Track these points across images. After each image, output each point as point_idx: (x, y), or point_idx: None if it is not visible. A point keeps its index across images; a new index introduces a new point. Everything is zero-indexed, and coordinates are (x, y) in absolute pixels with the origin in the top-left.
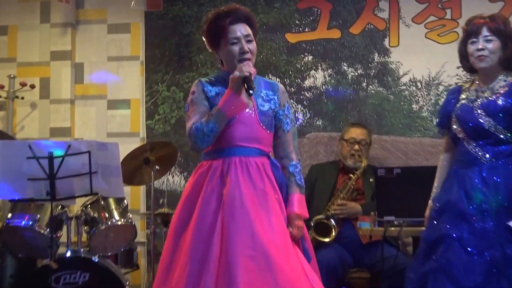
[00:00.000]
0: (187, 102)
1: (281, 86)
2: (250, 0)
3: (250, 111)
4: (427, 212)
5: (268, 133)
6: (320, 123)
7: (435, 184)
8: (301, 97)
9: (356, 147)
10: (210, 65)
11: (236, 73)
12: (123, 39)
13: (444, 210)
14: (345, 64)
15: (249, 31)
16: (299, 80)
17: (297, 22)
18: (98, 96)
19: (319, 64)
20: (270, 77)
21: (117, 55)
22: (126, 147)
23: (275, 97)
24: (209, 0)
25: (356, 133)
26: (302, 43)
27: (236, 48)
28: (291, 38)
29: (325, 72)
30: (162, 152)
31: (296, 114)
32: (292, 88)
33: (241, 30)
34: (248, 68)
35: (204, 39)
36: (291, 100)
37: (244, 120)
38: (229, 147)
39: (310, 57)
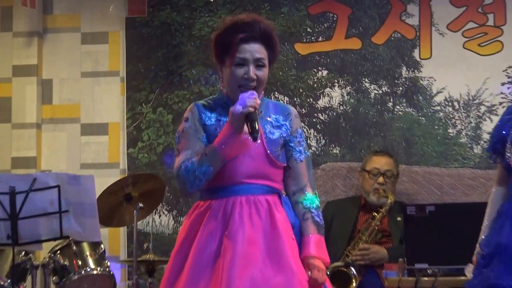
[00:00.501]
0: (178, 131)
1: (293, 109)
2: (252, 4)
3: (258, 141)
4: (474, 258)
5: (279, 166)
6: (337, 151)
7: (485, 223)
8: (314, 120)
9: (381, 179)
10: (204, 81)
11: (238, 107)
12: (100, 51)
13: (494, 255)
14: (366, 80)
15: (264, 54)
16: (311, 99)
17: (308, 30)
18: (69, 120)
19: (336, 80)
20: (276, 97)
21: (92, 70)
22: (103, 181)
23: (287, 123)
24: (203, 4)
25: (380, 162)
26: (315, 55)
27: (240, 72)
28: (302, 49)
29: (342, 90)
30: (146, 186)
31: (309, 141)
32: (303, 110)
33: (253, 51)
34: (253, 101)
35: (212, 47)
36: (302, 124)
37: (250, 152)
38: (233, 185)
39: (325, 72)
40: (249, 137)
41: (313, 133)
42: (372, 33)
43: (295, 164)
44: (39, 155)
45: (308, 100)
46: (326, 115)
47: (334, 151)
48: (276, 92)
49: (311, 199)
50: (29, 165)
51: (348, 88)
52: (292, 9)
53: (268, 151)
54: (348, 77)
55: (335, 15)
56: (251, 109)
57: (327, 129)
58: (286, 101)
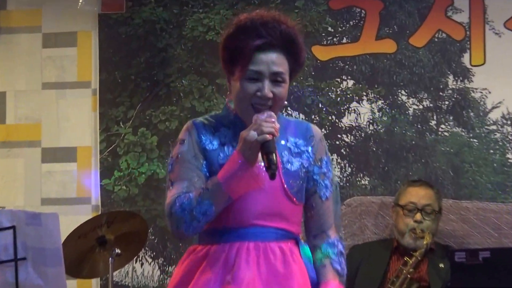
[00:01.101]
0: (171, 156)
1: (316, 130)
2: None
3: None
4: None
5: (298, 204)
6: (367, 182)
7: None
8: (338, 143)
9: (418, 216)
10: (198, 94)
11: (253, 133)
12: (66, 56)
13: None
14: (403, 92)
15: (284, 66)
16: (333, 117)
17: (329, 29)
18: (27, 143)
19: (364, 93)
20: (290, 113)
21: (57, 81)
22: (70, 220)
23: (308, 149)
24: None
25: (417, 195)
26: (338, 60)
27: (252, 88)
28: (321, 53)
29: (373, 105)
30: (125, 227)
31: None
32: (323, 130)
33: (270, 63)
34: (271, 127)
35: (219, 51)
36: None
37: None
38: (240, 227)
39: (351, 82)
40: (264, 171)
41: (336, 160)
42: (410, 33)
43: (319, 203)
44: None
45: (330, 118)
46: (352, 137)
47: (363, 182)
48: (288, 108)
49: (332, 243)
50: None
51: (380, 102)
52: (309, 3)
53: (286, 186)
54: (380, 88)
55: (363, 11)
56: (269, 137)
57: (353, 154)
58: (302, 118)
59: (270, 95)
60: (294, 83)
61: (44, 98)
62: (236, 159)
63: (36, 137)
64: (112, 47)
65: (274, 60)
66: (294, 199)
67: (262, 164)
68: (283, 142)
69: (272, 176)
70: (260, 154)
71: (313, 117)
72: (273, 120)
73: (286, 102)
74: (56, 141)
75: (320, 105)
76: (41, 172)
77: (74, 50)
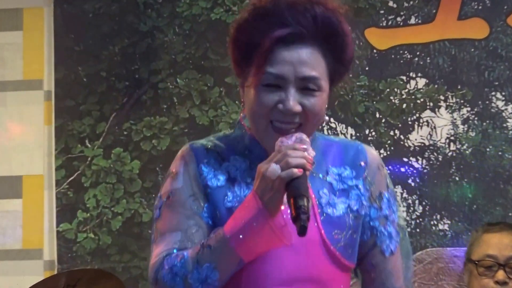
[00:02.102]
0: (159, 196)
1: (371, 153)
2: None
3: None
4: None
5: (345, 267)
6: (447, 227)
7: None
8: (403, 169)
9: (500, 275)
10: (200, 99)
11: (274, 167)
12: (8, 45)
13: None
14: (499, 95)
15: (319, 68)
16: (396, 132)
17: (391, 4)
18: None
19: (442, 97)
20: (333, 127)
21: None
22: (13, 282)
23: (359, 182)
24: None
25: (497, 245)
26: (404, 50)
27: (272, 99)
28: (379, 39)
29: (455, 114)
30: None
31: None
32: (383, 151)
33: (299, 64)
34: (300, 156)
35: (229, 45)
36: None
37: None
38: None
39: (422, 82)
40: (291, 224)
41: (401, 194)
42: (510, 10)
43: (382, 261)
44: None
45: (391, 133)
46: (424, 161)
47: (440, 227)
48: (331, 119)
49: None
50: None
51: (464, 110)
52: None
53: (327, 240)
54: (465, 90)
55: None
56: (298, 172)
57: (427, 187)
58: (351, 134)
59: (298, 108)
60: (339, 84)
61: None
62: (252, 205)
63: None
64: (74, 31)
65: (303, 59)
66: (343, 259)
67: (289, 211)
68: (321, 175)
69: (302, 231)
70: (285, 197)
71: (367, 132)
72: (304, 146)
73: (326, 117)
74: None
75: (377, 115)
76: None
77: (19, 36)
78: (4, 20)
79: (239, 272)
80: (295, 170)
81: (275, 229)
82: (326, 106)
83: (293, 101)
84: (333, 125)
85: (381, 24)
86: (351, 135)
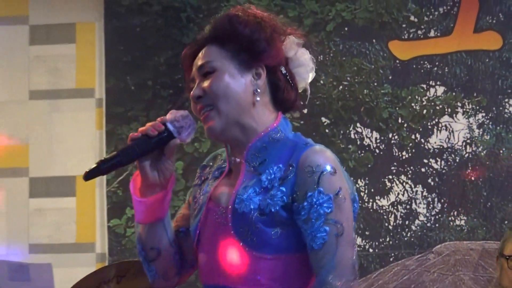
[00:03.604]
0: None
1: (307, 155)
2: None
3: (223, 211)
4: None
5: (258, 257)
6: (463, 222)
7: None
8: (424, 170)
9: None
10: None
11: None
12: (62, 56)
13: None
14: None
15: (212, 54)
16: (417, 136)
17: (412, 19)
18: (10, 171)
19: (459, 104)
20: (359, 131)
21: (49, 88)
22: (68, 273)
23: (282, 181)
24: None
25: None
26: (424, 60)
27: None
28: (401, 50)
29: (471, 119)
30: (140, 283)
31: (414, 205)
32: (405, 153)
33: (196, 60)
34: (149, 125)
35: None
36: (403, 177)
37: (209, 231)
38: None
39: (441, 90)
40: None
41: (422, 193)
42: None
43: (310, 254)
44: None
45: (413, 137)
46: (443, 162)
47: (458, 222)
48: (358, 124)
49: None
50: None
51: (480, 116)
52: None
53: (233, 231)
54: (480, 97)
55: None
56: (137, 135)
57: (445, 185)
58: (376, 138)
59: (198, 92)
60: (365, 91)
61: (32, 112)
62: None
63: (22, 163)
64: (123, 43)
65: (200, 56)
66: (250, 251)
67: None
68: (258, 172)
69: (84, 176)
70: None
71: (390, 135)
72: (172, 115)
73: (354, 116)
74: (48, 168)
75: (400, 120)
76: (28, 210)
77: (72, 48)
78: (59, 34)
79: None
80: (133, 134)
81: (132, 189)
82: (255, 88)
83: (196, 88)
84: (359, 129)
85: (403, 37)
86: (376, 138)
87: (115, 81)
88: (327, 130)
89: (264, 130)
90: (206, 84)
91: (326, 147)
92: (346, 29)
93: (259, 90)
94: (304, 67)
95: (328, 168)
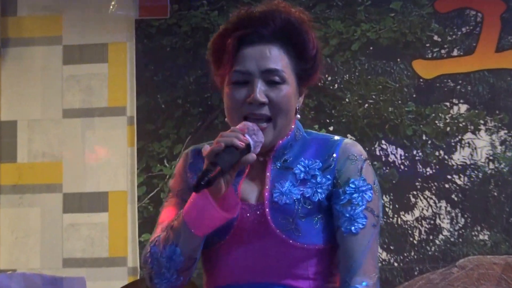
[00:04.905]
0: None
1: (346, 146)
2: None
3: (256, 211)
4: None
5: (298, 248)
6: (486, 237)
7: None
8: (448, 186)
9: None
10: None
11: (206, 146)
12: (95, 75)
13: None
14: None
15: (281, 61)
16: (441, 152)
17: (435, 38)
18: (45, 187)
19: (482, 121)
20: (384, 148)
21: (82, 107)
22: (102, 286)
23: (323, 173)
24: None
25: None
26: (447, 79)
27: (241, 93)
28: (425, 69)
29: (493, 136)
30: None
31: (438, 220)
32: (429, 169)
33: (261, 59)
34: (233, 136)
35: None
36: (427, 193)
37: (245, 225)
38: (230, 286)
39: (464, 107)
40: (236, 198)
41: (445, 208)
42: None
43: (341, 240)
44: None
45: (437, 153)
46: (466, 178)
47: (481, 237)
48: (382, 141)
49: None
50: None
51: (502, 133)
52: (408, 4)
53: (273, 225)
54: (503, 115)
55: (479, 14)
56: (218, 147)
57: (468, 201)
58: (400, 155)
59: (263, 98)
60: (390, 108)
61: (66, 129)
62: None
63: (56, 179)
64: (153, 62)
65: (265, 55)
66: (291, 240)
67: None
68: (288, 167)
69: (194, 187)
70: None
71: (414, 152)
72: (241, 128)
73: (379, 133)
74: (81, 184)
75: (423, 137)
76: (62, 225)
77: (104, 67)
78: (91, 53)
79: (216, 260)
80: (217, 145)
81: (213, 203)
82: (298, 105)
83: (259, 92)
84: (384, 146)
85: (427, 56)
86: (400, 155)
87: (146, 99)
88: None
89: (289, 131)
90: (273, 94)
91: None
92: (371, 48)
93: (298, 108)
94: None
95: (367, 159)
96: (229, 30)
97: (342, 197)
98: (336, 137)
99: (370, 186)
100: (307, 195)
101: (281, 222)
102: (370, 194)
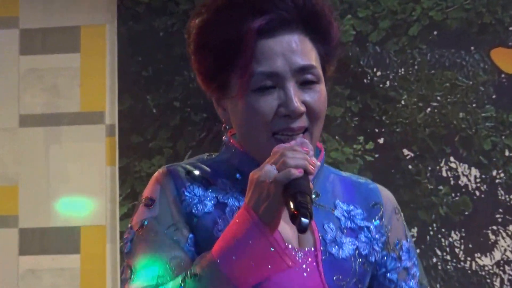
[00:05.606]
0: (129, 228)
1: (387, 194)
2: None
3: (305, 261)
4: None
5: None
6: None
7: None
8: None
9: None
10: None
11: (268, 168)
12: (63, 70)
13: None
14: None
15: (313, 55)
16: None
17: None
18: (2, 220)
19: None
20: (452, 165)
21: (45, 112)
22: None
23: (372, 224)
24: None
25: None
26: None
27: (272, 103)
28: (508, 60)
29: None
30: None
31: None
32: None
33: (291, 54)
34: (301, 157)
35: (191, 56)
36: (501, 231)
37: (286, 284)
38: None
39: None
40: (297, 228)
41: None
42: None
43: None
44: None
45: None
46: None
47: None
48: (451, 158)
49: None
50: None
51: None
52: None
53: (326, 285)
54: None
55: None
56: (297, 173)
57: None
58: (475, 176)
59: (303, 107)
60: (460, 114)
61: (24, 143)
62: (244, 219)
63: (10, 210)
64: (141, 53)
65: (294, 48)
66: None
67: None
68: (331, 208)
69: (301, 228)
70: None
71: (494, 173)
72: (306, 149)
73: (443, 147)
74: (44, 217)
75: (506, 153)
76: (18, 271)
77: (76, 59)
78: (58, 40)
79: None
80: (294, 171)
81: (275, 245)
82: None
83: (296, 98)
84: (453, 164)
85: (510, 44)
86: (475, 177)
87: (131, 102)
88: (410, 166)
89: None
90: (309, 98)
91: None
92: (435, 33)
93: None
94: None
95: None
96: (230, 17)
97: (399, 265)
98: (362, 178)
99: (415, 249)
100: (364, 252)
101: (335, 283)
102: (416, 261)
